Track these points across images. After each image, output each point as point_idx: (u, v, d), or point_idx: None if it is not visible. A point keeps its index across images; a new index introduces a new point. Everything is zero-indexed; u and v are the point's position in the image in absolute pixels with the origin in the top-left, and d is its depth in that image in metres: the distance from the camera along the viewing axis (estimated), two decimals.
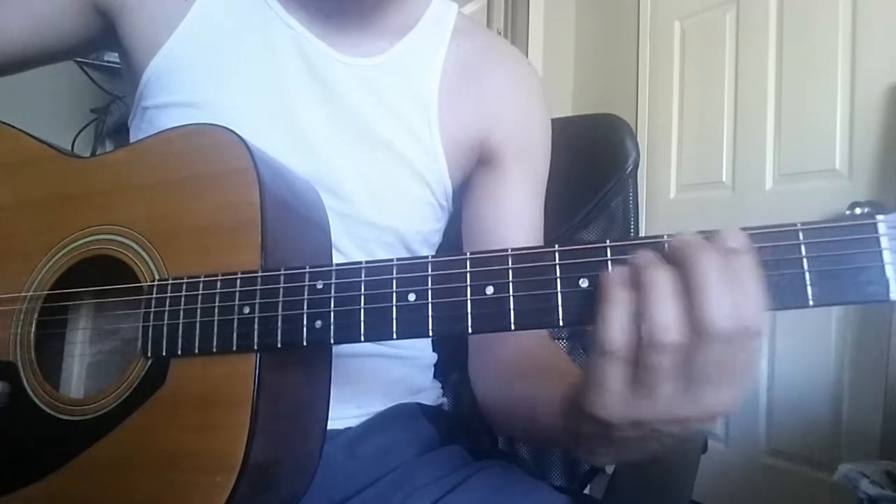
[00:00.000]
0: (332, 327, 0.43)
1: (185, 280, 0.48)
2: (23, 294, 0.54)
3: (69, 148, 1.69)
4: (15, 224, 0.57)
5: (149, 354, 0.48)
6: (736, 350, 0.34)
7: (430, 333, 0.42)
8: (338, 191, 0.62)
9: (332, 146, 0.63)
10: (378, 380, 0.67)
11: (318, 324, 0.44)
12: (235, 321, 0.46)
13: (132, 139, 0.66)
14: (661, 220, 2.10)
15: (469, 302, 0.41)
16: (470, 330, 0.41)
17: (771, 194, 1.80)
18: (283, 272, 0.45)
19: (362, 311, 0.43)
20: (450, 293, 0.41)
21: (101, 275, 0.54)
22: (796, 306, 0.36)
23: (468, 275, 0.41)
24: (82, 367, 0.58)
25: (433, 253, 0.71)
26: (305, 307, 0.44)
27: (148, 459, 0.47)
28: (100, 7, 0.66)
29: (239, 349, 0.45)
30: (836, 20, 1.63)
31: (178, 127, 0.54)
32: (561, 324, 0.39)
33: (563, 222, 0.85)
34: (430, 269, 0.42)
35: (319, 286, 0.44)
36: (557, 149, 0.73)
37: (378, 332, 0.43)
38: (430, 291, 0.41)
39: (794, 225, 0.36)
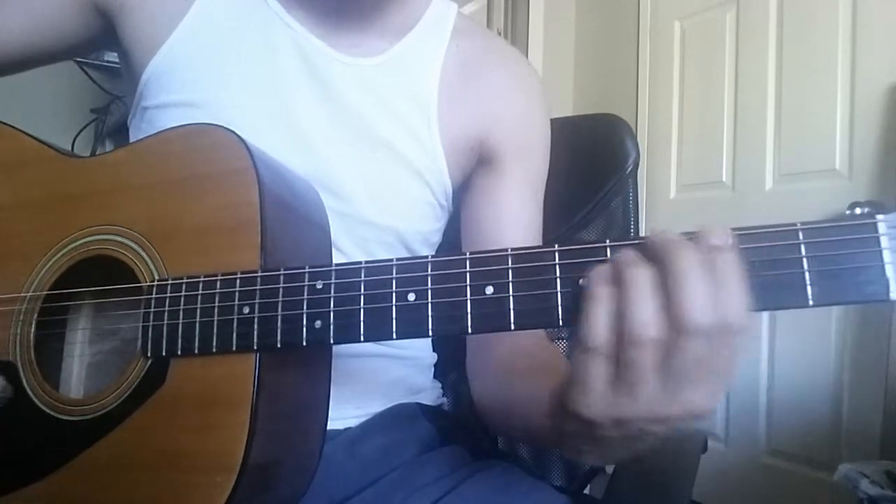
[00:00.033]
0: (331, 327, 0.43)
1: (185, 280, 0.48)
2: (22, 294, 0.54)
3: (69, 148, 1.69)
4: (14, 224, 0.57)
5: (148, 354, 0.48)
6: (717, 347, 0.35)
7: (430, 333, 0.42)
8: (337, 190, 0.62)
9: (331, 146, 0.63)
10: (378, 380, 0.67)
11: (318, 324, 0.44)
12: (235, 321, 0.46)
13: (132, 139, 0.66)
14: (661, 220, 2.10)
15: (469, 302, 0.41)
16: (470, 330, 0.41)
17: (771, 194, 1.80)
18: (282, 272, 0.45)
19: (362, 311, 0.43)
20: (449, 293, 0.41)
21: (100, 275, 0.54)
22: (796, 306, 0.36)
23: (468, 275, 0.41)
24: (82, 367, 0.58)
25: (433, 253, 0.71)
26: (305, 307, 0.44)
27: (148, 459, 0.47)
28: (99, 7, 0.66)
29: (238, 349, 0.45)
30: (836, 20, 1.63)
31: (178, 127, 0.54)
32: (561, 324, 0.39)
33: (563, 222, 0.85)
34: (429, 269, 0.42)
35: (319, 286, 0.44)
36: (557, 149, 0.73)
37: (378, 332, 0.43)
38: (429, 291, 0.41)
39: (794, 225, 0.36)
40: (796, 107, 1.74)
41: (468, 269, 0.41)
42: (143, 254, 0.51)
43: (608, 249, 0.39)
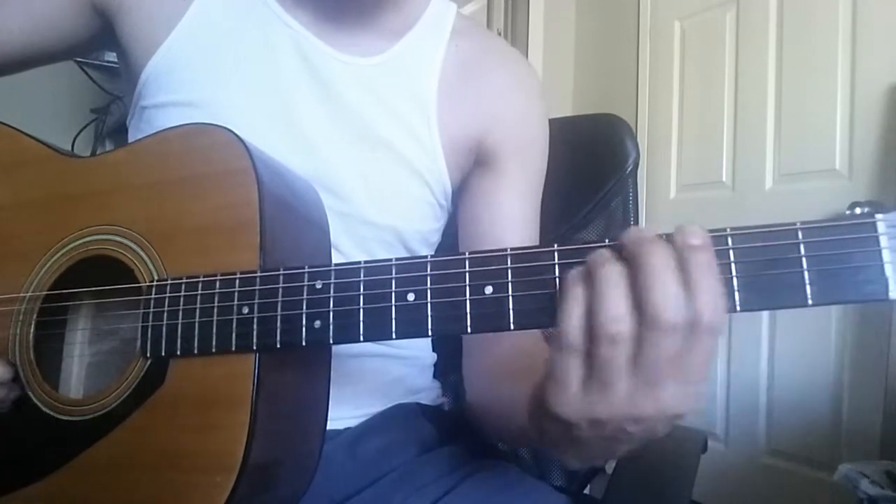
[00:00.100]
0: (331, 327, 0.43)
1: (184, 280, 0.48)
2: (22, 294, 0.54)
3: (69, 148, 1.69)
4: (14, 224, 0.57)
5: (148, 355, 0.48)
6: (689, 345, 0.35)
7: (430, 333, 0.42)
8: (337, 190, 0.62)
9: (331, 145, 0.63)
10: (378, 380, 0.67)
11: (318, 324, 0.44)
12: (234, 321, 0.46)
13: (131, 139, 0.66)
14: (661, 220, 2.10)
15: (468, 302, 0.41)
16: (469, 330, 0.41)
17: (771, 194, 1.80)
18: (282, 272, 0.45)
19: (361, 310, 0.43)
20: (449, 293, 0.41)
21: (100, 275, 0.54)
22: (795, 305, 0.36)
23: (467, 275, 0.41)
24: (81, 367, 0.58)
25: (432, 252, 0.71)
26: (304, 307, 0.44)
27: (148, 459, 0.47)
28: (98, 7, 0.66)
29: (238, 349, 0.45)
30: (836, 20, 1.63)
31: (177, 127, 0.54)
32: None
33: (563, 222, 0.85)
34: (429, 269, 0.42)
35: (318, 286, 0.44)
36: (557, 149, 0.73)
37: (377, 332, 0.43)
38: (429, 291, 0.41)
39: (794, 224, 0.36)
40: (796, 107, 1.74)
41: (467, 268, 0.41)
42: (142, 254, 0.51)
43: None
